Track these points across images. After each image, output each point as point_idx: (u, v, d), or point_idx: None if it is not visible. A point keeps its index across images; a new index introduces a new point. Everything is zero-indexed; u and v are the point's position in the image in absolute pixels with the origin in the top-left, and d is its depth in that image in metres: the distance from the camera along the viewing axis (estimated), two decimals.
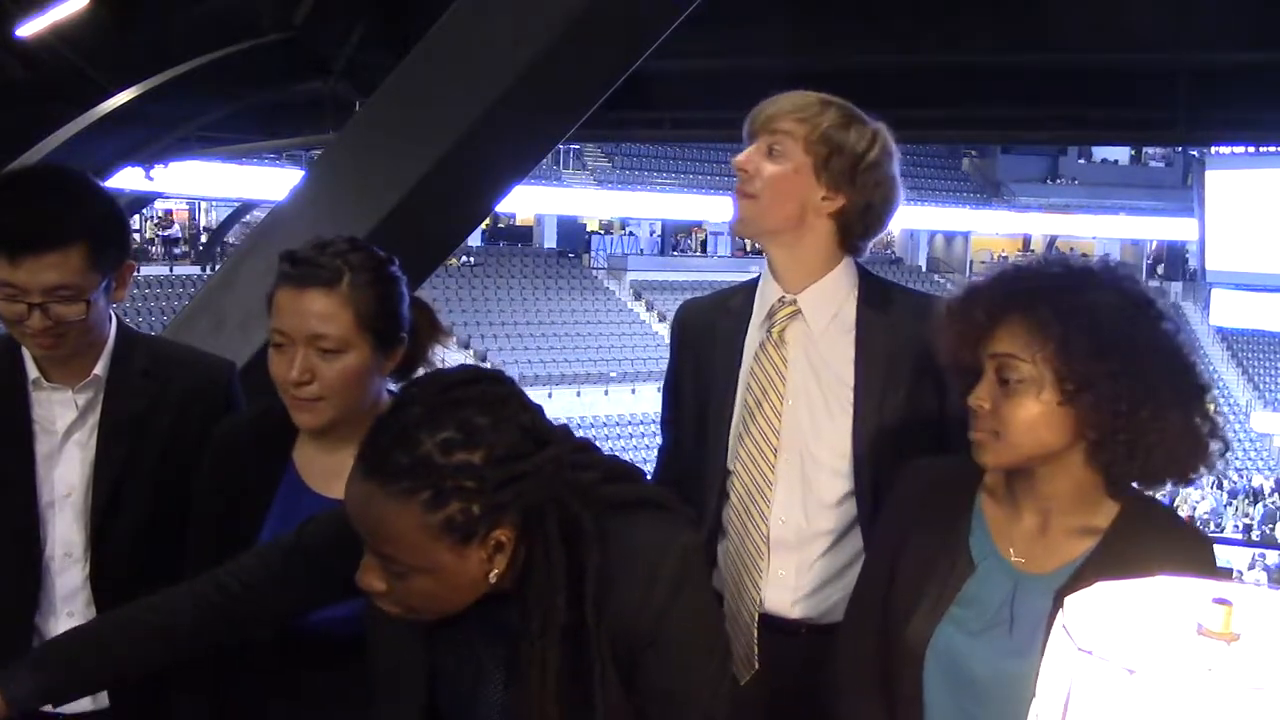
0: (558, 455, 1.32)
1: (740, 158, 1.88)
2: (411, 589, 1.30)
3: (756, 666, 1.89)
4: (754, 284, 2.01)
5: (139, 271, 22.08)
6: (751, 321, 1.97)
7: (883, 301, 1.93)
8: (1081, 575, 1.46)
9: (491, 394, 1.31)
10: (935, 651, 1.51)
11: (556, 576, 1.31)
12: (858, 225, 1.90)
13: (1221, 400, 30.89)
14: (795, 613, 1.89)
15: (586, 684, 1.34)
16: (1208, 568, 1.50)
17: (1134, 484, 1.50)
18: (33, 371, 1.84)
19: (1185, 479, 1.48)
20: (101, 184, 1.86)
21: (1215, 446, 1.46)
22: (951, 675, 1.51)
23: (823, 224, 1.89)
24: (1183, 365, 1.47)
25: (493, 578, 1.32)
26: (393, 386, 1.78)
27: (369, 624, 1.47)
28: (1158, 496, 1.60)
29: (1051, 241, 35.54)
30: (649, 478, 2.01)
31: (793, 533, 1.89)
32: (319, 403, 1.67)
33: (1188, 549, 1.48)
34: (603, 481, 1.38)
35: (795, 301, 1.92)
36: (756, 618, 1.89)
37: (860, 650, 1.62)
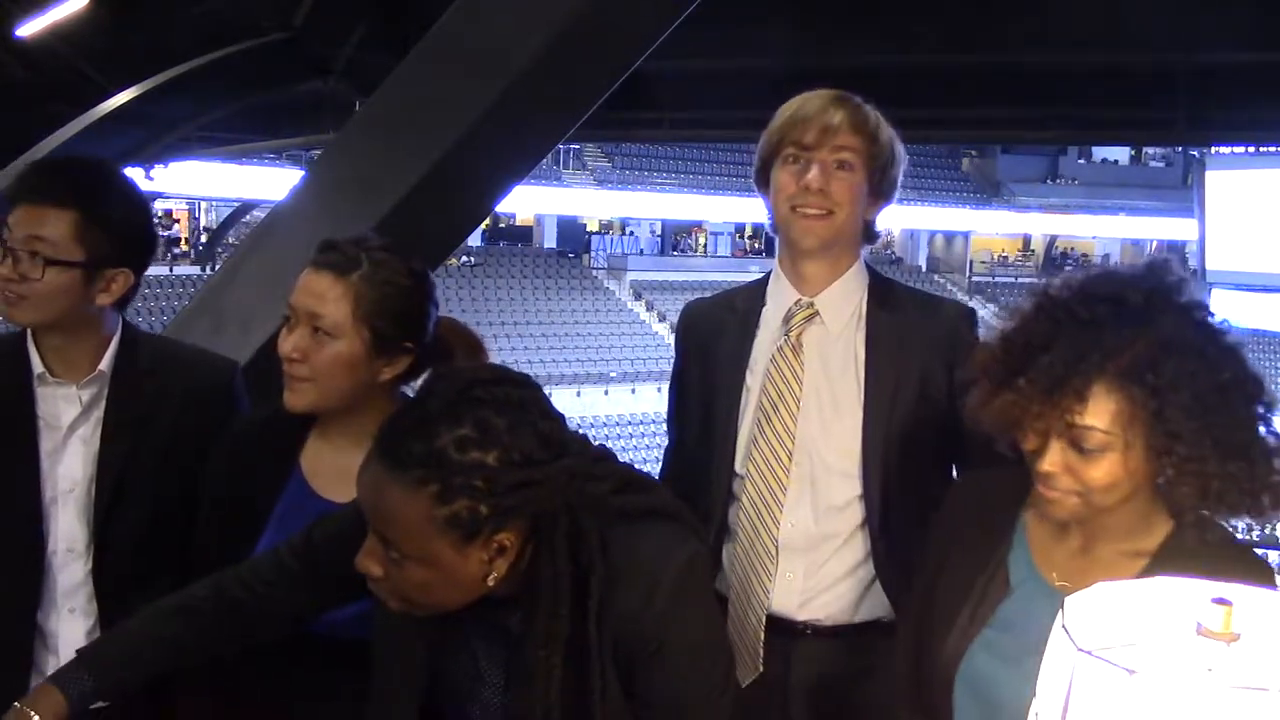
0: (571, 467, 1.31)
1: (813, 176, 1.83)
2: (408, 578, 1.30)
3: (761, 669, 1.89)
4: (760, 284, 2.00)
5: None
6: (763, 323, 1.96)
7: (891, 301, 1.93)
8: None
9: (514, 396, 1.30)
10: (964, 675, 1.46)
11: (562, 588, 1.31)
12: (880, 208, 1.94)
13: None
14: (802, 615, 1.88)
15: (586, 692, 1.34)
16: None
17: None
18: (38, 366, 1.84)
19: (1262, 513, 1.35)
20: (144, 199, 1.91)
21: None
22: (981, 700, 1.45)
23: (861, 227, 1.93)
24: (1255, 378, 1.36)
25: (491, 580, 1.31)
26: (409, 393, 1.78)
27: (377, 622, 1.47)
28: None
29: (1051, 241, 35.56)
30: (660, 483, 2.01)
31: (801, 536, 1.88)
32: (305, 384, 1.71)
33: (1241, 575, 1.30)
34: (614, 492, 1.37)
35: (812, 304, 1.91)
36: (764, 620, 1.89)
37: (907, 666, 1.58)
